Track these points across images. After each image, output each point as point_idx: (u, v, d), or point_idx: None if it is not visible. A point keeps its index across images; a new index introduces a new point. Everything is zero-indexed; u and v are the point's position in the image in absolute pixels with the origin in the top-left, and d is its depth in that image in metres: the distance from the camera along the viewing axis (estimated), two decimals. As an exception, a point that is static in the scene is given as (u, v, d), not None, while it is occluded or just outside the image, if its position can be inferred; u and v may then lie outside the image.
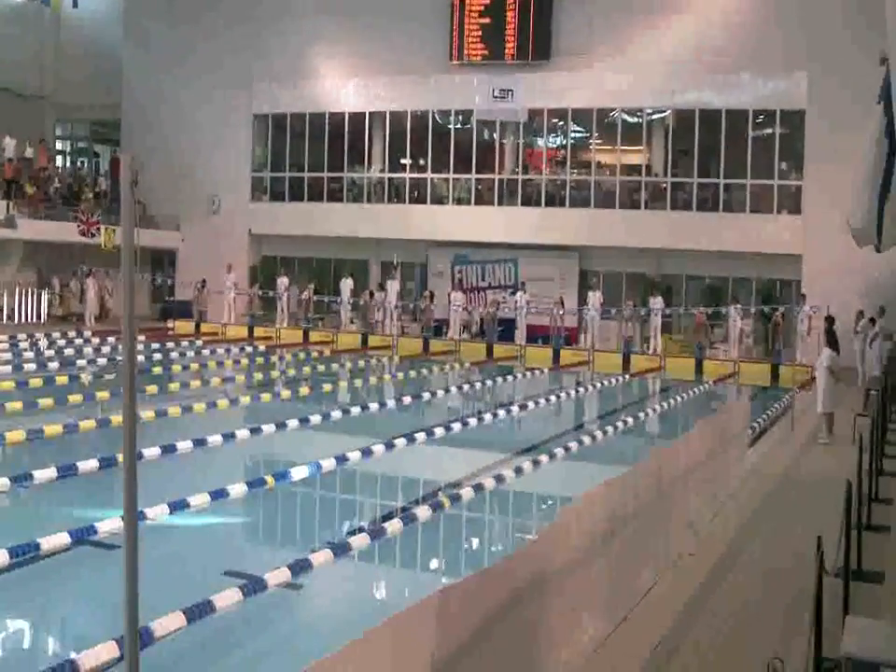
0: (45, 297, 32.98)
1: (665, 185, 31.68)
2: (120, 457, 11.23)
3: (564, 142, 33.64)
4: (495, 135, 33.81)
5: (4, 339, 25.12)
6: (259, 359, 25.75)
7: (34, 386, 17.91)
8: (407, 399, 19.43)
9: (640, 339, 30.27)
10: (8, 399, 15.87)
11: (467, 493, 11.49)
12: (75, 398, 16.79)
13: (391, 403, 19.21)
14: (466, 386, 22.59)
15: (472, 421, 17.30)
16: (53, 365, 21.23)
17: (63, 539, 8.72)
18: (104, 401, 16.80)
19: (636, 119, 31.94)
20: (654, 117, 31.93)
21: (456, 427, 16.55)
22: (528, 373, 25.09)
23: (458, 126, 33.80)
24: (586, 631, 6.61)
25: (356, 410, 17.64)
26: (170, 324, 32.93)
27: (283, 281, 33.41)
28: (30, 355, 22.77)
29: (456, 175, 33.61)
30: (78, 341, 26.27)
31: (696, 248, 30.00)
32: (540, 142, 33.84)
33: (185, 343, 27.62)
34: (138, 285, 3.74)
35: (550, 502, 12.75)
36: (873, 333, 23.31)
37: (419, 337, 31.50)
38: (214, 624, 7.20)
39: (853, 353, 23.90)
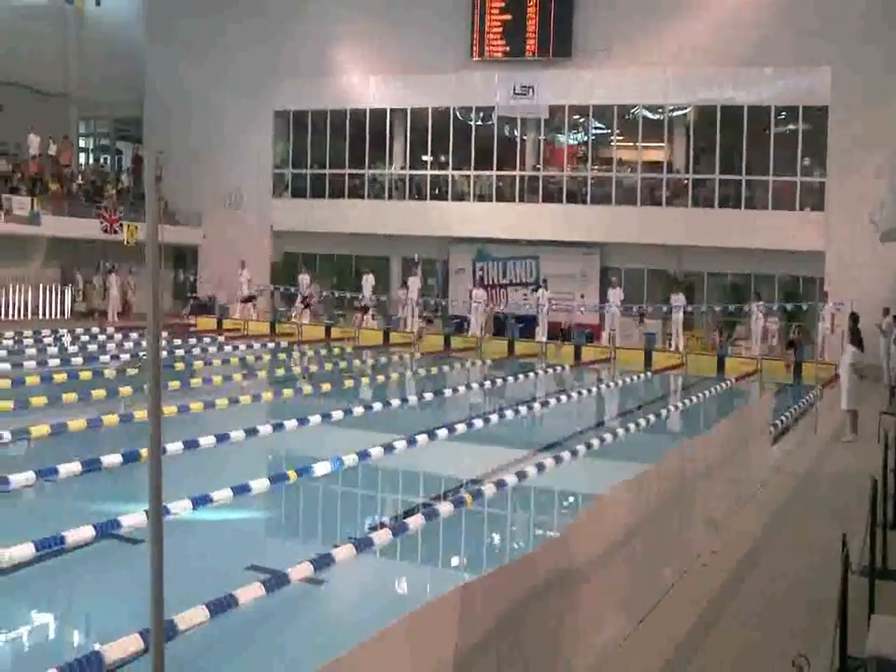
0: (68, 293, 33.21)
1: (686, 181, 31.55)
2: (143, 452, 11.32)
3: (585, 138, 33.58)
4: (516, 132, 33.77)
5: (28, 334, 25.32)
6: (281, 355, 25.81)
7: (58, 382, 18.03)
8: (428, 396, 19.43)
9: (662, 336, 30.17)
10: (33, 394, 15.98)
11: (489, 489, 11.49)
12: (98, 393, 16.87)
13: (413, 399, 19.22)
14: (487, 383, 22.58)
15: (494, 417, 17.28)
16: (77, 360, 21.37)
17: (87, 532, 8.77)
18: (126, 397, 16.89)
19: (657, 116, 31.82)
20: (675, 113, 31.81)
21: (478, 423, 16.54)
22: (550, 370, 25.05)
23: (479, 123, 33.76)
24: (608, 628, 6.59)
25: (377, 405, 17.66)
26: (192, 320, 33.07)
27: (304, 278, 33.49)
28: (54, 350, 22.94)
29: (477, 172, 33.59)
30: (101, 336, 26.42)
31: (718, 245, 29.86)
32: (561, 138, 33.78)
33: (207, 339, 27.72)
34: (161, 280, 3.77)
35: (572, 499, 12.73)
36: (897, 330, 23.14)
37: (440, 333, 31.52)
38: (237, 618, 7.24)
39: (878, 350, 23.72)
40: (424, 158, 34.91)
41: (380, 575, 9.27)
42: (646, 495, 7.37)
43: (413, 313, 32.05)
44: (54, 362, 20.86)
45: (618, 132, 32.73)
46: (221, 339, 28.08)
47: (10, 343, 23.92)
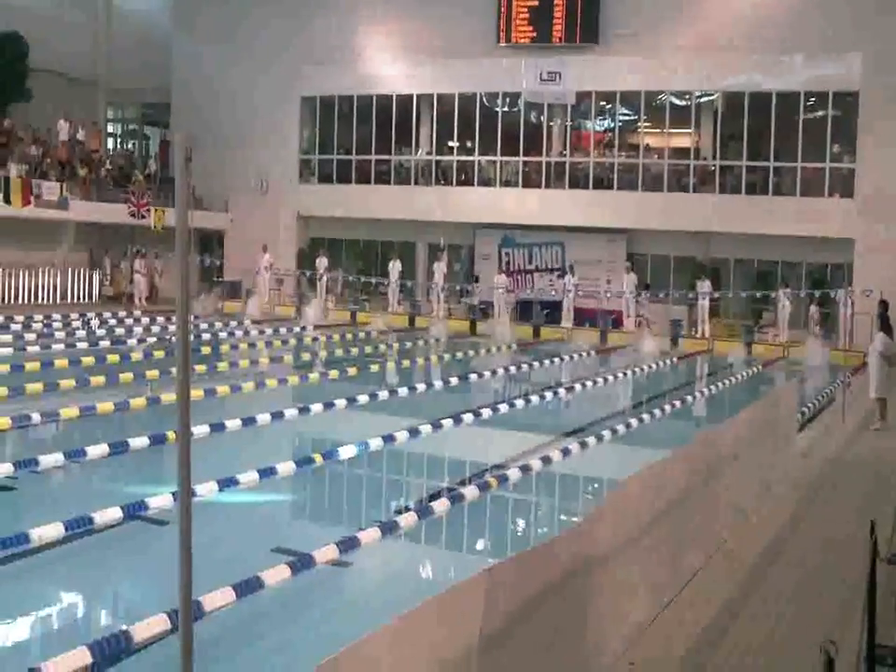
0: (96, 277, 33.44)
1: (713, 168, 31.33)
2: (170, 435, 11.40)
3: (611, 125, 33.37)
4: (542, 118, 33.62)
5: (57, 318, 25.55)
6: (307, 339, 25.89)
7: (86, 365, 18.18)
8: (454, 380, 19.45)
9: (688, 322, 30.06)
10: (62, 377, 16.13)
11: (514, 474, 11.50)
12: (125, 376, 17.00)
13: (438, 384, 19.24)
14: (512, 368, 22.57)
15: (519, 402, 17.27)
16: (104, 344, 21.53)
17: (115, 513, 8.86)
18: (154, 380, 17.02)
19: (684, 102, 31.60)
20: (703, 100, 31.58)
21: (503, 408, 16.56)
22: (575, 356, 25.01)
23: (506, 109, 33.62)
24: (633, 613, 6.59)
25: (403, 390, 17.70)
26: (219, 304, 33.23)
27: (321, 262, 33.55)
28: (82, 334, 23.12)
29: (504, 158, 33.47)
30: (129, 321, 26.59)
31: (745, 232, 29.65)
32: (588, 125, 33.61)
33: (233, 323, 27.85)
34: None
35: (596, 484, 12.72)
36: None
37: (466, 319, 31.55)
38: (263, 600, 7.29)
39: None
40: (450, 144, 34.82)
41: (405, 558, 9.31)
42: (671, 479, 7.35)
43: (439, 298, 32.10)
44: (82, 345, 21.03)
45: (645, 118, 32.51)
46: (247, 323, 28.17)
47: (40, 326, 24.15)
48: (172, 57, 38.31)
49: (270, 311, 32.60)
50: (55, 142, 33.66)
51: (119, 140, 44.48)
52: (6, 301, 29.59)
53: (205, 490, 9.56)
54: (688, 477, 7.76)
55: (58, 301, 31.31)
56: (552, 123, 33.48)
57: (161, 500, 9.16)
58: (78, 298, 32.51)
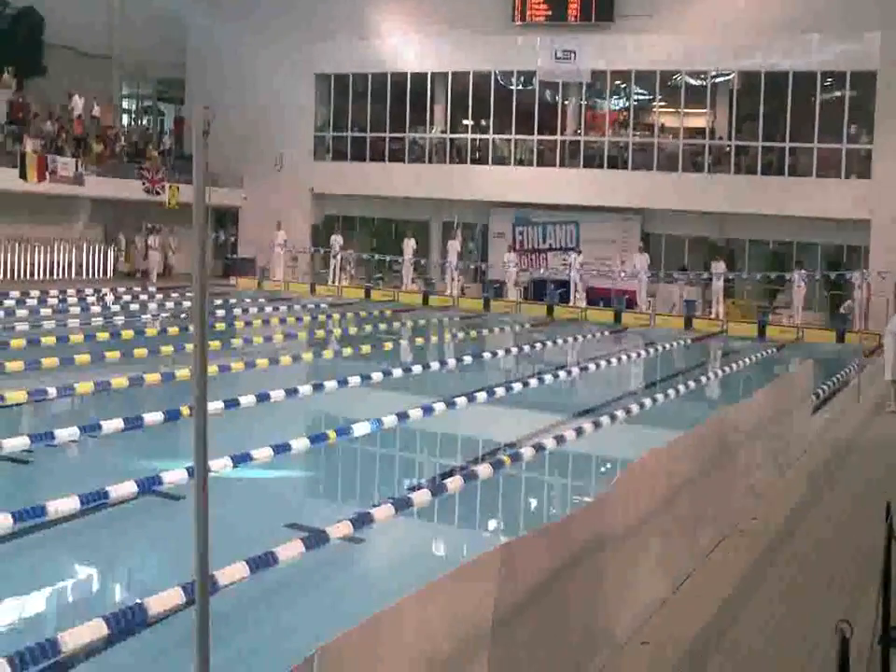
0: (111, 253, 33.50)
1: (728, 148, 31.13)
2: (184, 410, 11.42)
3: (626, 104, 33.16)
4: (557, 97, 33.46)
5: (72, 293, 25.62)
6: (321, 317, 25.91)
7: (101, 339, 18.24)
8: (468, 359, 19.45)
9: (703, 303, 29.97)
10: (77, 352, 16.17)
11: (527, 452, 11.50)
12: (140, 351, 17.05)
13: (452, 362, 19.24)
14: (526, 347, 22.57)
15: (532, 381, 17.26)
16: (119, 319, 21.60)
17: (130, 487, 8.90)
18: (168, 356, 17.06)
19: (699, 82, 31.38)
20: (719, 80, 31.35)
21: (517, 386, 16.55)
22: (588, 335, 24.98)
23: (520, 87, 33.45)
24: (646, 593, 6.59)
25: (417, 368, 17.71)
26: (232, 281, 33.27)
27: (336, 239, 33.54)
28: (97, 309, 23.19)
29: (518, 136, 33.33)
30: (143, 296, 26.66)
31: (760, 213, 29.47)
32: (603, 104, 33.42)
33: (247, 300, 27.88)
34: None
35: (610, 464, 12.72)
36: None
37: (479, 297, 31.56)
38: (277, 575, 7.32)
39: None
40: (465, 122, 34.68)
41: (418, 536, 9.33)
42: (684, 460, 7.34)
43: (453, 276, 32.08)
44: (97, 321, 21.10)
45: (660, 97, 32.30)
46: (262, 300, 28.21)
47: (55, 301, 24.23)
48: (187, 33, 38.19)
49: (284, 289, 32.64)
50: (70, 117, 33.65)
51: (133, 116, 44.43)
52: (21, 277, 29.69)
53: (219, 465, 9.59)
54: (703, 456, 7.75)
55: (73, 276, 31.38)
56: (566, 102, 33.32)
57: (175, 475, 9.20)
58: (94, 273, 32.57)
